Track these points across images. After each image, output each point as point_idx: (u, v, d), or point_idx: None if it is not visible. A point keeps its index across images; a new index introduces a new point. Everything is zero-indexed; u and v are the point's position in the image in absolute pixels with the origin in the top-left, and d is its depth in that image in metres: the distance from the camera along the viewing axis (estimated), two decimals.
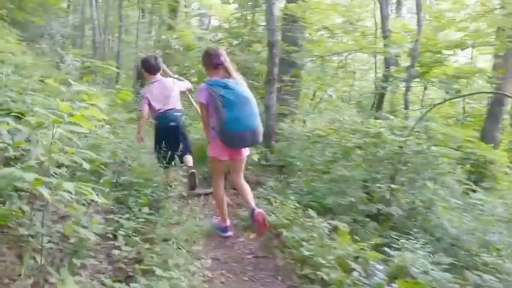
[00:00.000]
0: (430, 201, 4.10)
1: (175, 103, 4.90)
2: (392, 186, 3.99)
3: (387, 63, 11.43)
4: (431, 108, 4.91)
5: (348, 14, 9.59)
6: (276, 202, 3.76)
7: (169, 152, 4.42)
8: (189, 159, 4.97)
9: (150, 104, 4.80)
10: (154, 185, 4.09)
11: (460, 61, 11.03)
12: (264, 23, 13.69)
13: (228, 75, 3.55)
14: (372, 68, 13.18)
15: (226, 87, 3.41)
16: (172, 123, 4.78)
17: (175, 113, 4.83)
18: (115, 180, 4.09)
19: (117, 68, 8.39)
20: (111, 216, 3.40)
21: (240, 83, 3.54)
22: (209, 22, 17.90)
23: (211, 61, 3.59)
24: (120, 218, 3.32)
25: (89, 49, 20.17)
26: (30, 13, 12.01)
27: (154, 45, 15.10)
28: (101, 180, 3.91)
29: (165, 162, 4.44)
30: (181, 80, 5.32)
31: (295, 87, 7.67)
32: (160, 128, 4.85)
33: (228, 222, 3.90)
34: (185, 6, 20.10)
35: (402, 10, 16.93)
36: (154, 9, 16.47)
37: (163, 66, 5.14)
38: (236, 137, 3.48)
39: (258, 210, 3.51)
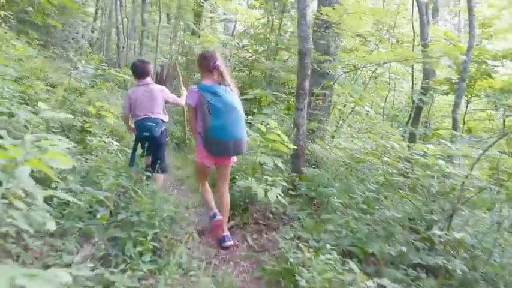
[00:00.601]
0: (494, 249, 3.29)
1: (156, 111, 4.46)
2: (456, 235, 3.17)
3: (426, 74, 10.55)
4: (503, 136, 4.05)
5: (385, 19, 8.78)
6: (308, 251, 3.00)
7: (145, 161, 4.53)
8: (159, 179, 4.44)
9: (130, 107, 4.50)
10: (162, 222, 3.39)
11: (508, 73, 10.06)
12: (291, 29, 13.02)
13: (222, 80, 3.54)
14: (405, 78, 12.31)
15: (215, 93, 3.40)
16: (146, 133, 4.42)
17: (151, 123, 4.40)
18: (112, 215, 3.41)
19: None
20: (103, 267, 2.72)
21: (229, 91, 3.51)
22: (234, 28, 17.27)
23: (207, 64, 3.58)
24: (113, 272, 2.63)
25: (115, 53, 19.95)
26: (52, 16, 11.60)
27: (177, 51, 14.54)
28: (97, 215, 3.25)
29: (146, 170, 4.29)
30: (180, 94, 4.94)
31: (326, 101, 6.89)
32: (136, 136, 4.59)
33: (215, 209, 3.84)
34: (210, 11, 19.59)
35: (438, 17, 15.98)
36: (179, 14, 15.96)
37: (176, 73, 4.67)
38: (219, 145, 3.47)
39: (228, 243, 3.66)
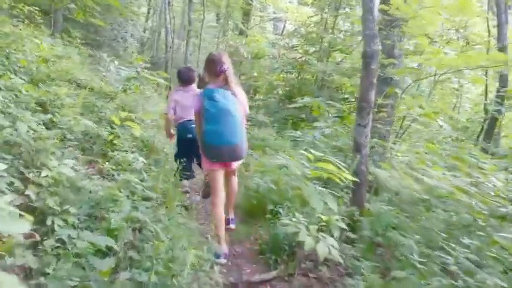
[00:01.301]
0: None
1: None
2: None
3: (502, 80, 9.21)
4: None
5: (458, 17, 7.61)
6: None
7: (186, 162, 4.63)
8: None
9: (175, 109, 4.77)
10: (181, 277, 2.58)
11: None
12: (346, 28, 11.99)
13: (226, 84, 3.48)
14: (474, 84, 10.96)
15: (211, 98, 3.40)
16: (189, 135, 4.67)
17: (193, 125, 4.27)
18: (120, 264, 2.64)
19: (166, 79, 7.08)
20: None
21: (229, 96, 3.44)
22: (284, 27, 16.38)
23: (214, 68, 3.51)
24: None
25: (164, 53, 19.73)
26: (97, 15, 11.22)
27: (223, 51, 13.86)
28: (99, 267, 2.48)
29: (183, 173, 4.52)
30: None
31: (390, 113, 5.86)
32: (178, 138, 4.91)
33: (224, 247, 3.48)
34: (259, 10, 18.80)
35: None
36: (227, 13, 15.30)
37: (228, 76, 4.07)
38: (214, 150, 3.49)
39: (232, 226, 3.94)
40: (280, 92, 10.92)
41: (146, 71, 6.55)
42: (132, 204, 3.32)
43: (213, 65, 3.52)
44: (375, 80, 3.99)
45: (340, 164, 3.35)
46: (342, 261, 3.01)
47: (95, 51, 10.67)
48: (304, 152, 3.47)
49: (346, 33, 11.32)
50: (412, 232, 3.25)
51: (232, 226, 3.94)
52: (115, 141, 4.57)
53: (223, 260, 3.38)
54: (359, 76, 9.93)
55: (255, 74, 11.64)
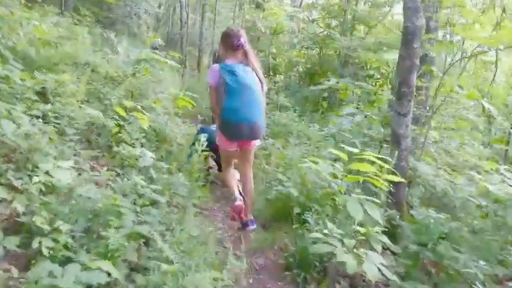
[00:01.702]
0: None
1: None
2: None
3: None
4: None
5: None
6: None
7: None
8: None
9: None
10: None
11: None
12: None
13: (246, 60, 3.41)
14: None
15: (232, 73, 3.30)
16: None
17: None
18: None
19: (180, 59, 6.55)
20: None
21: (250, 71, 3.37)
22: None
23: (231, 42, 3.41)
24: None
25: (179, 28, 19.19)
26: None
27: (240, 26, 13.22)
28: None
29: None
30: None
31: (426, 94, 5.26)
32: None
33: (237, 193, 3.66)
34: None
35: None
36: None
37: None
38: (232, 128, 3.38)
39: (252, 227, 3.57)
40: (301, 69, 10.27)
41: (158, 52, 6.05)
42: (138, 213, 2.88)
43: (230, 39, 3.41)
44: (417, 61, 3.40)
45: (382, 160, 2.80)
46: (397, 280, 2.51)
47: (105, 30, 10.19)
48: (334, 151, 2.91)
49: (371, 4, 10.52)
50: (469, 247, 2.72)
51: (252, 227, 3.61)
52: (121, 134, 4.11)
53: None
54: (385, 51, 9.24)
55: (274, 51, 10.98)
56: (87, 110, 4.35)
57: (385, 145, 4.06)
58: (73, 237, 2.50)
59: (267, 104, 6.87)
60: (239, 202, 3.55)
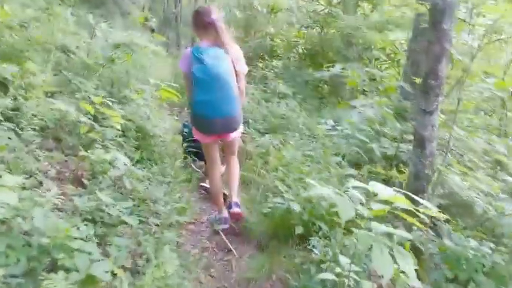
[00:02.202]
0: None
1: None
2: None
3: None
4: None
5: None
6: None
7: None
8: None
9: None
10: None
11: None
12: None
13: (217, 40, 3.06)
14: None
15: (200, 61, 2.96)
16: None
17: None
18: None
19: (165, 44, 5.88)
20: None
21: (220, 56, 3.01)
22: None
23: (201, 20, 3.12)
24: None
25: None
26: None
27: (235, 5, 12.44)
28: None
29: None
30: None
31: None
32: None
33: (225, 213, 3.41)
34: None
35: None
36: None
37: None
38: (204, 123, 3.17)
39: (236, 209, 3.28)
40: (300, 50, 9.55)
41: (139, 35, 5.37)
42: (98, 244, 2.30)
43: (199, 17, 3.15)
44: (448, 46, 2.76)
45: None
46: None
47: (92, 11, 9.41)
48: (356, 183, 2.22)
49: None
50: None
51: (236, 210, 3.31)
52: (91, 134, 3.49)
53: (225, 225, 3.36)
54: (390, 30, 8.52)
55: (272, 30, 10.23)
56: (55, 104, 3.72)
57: (402, 144, 3.44)
58: (7, 285, 1.92)
59: (265, 92, 6.22)
60: (224, 226, 3.36)
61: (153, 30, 14.72)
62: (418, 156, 2.81)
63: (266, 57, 9.14)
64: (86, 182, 3.09)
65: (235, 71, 3.14)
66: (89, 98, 4.28)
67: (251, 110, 5.12)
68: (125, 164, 3.26)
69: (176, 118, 5.18)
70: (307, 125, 4.78)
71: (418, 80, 3.11)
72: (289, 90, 5.79)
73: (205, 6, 3.31)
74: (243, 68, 3.28)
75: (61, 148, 3.89)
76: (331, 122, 3.56)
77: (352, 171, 2.96)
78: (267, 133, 4.81)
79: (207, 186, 4.19)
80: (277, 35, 10.27)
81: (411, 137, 3.40)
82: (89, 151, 3.31)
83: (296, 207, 2.73)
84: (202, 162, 4.44)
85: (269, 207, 2.92)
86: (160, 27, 22.88)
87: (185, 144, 4.28)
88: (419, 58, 5.11)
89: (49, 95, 4.27)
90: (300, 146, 4.08)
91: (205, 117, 3.10)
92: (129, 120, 4.15)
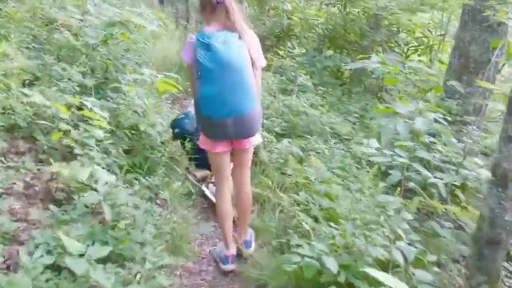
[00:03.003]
0: None
1: None
2: None
3: None
4: None
5: None
6: None
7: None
8: None
9: None
10: None
11: None
12: None
13: (228, 22, 2.44)
14: None
15: (207, 47, 2.35)
16: None
17: None
18: None
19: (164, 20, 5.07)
20: None
21: (234, 41, 2.39)
22: None
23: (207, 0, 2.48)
24: None
25: None
26: None
27: None
28: None
29: None
30: None
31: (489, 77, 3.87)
32: None
33: (233, 249, 2.81)
34: None
35: None
36: None
37: None
38: (214, 125, 2.50)
39: (248, 250, 2.83)
40: (320, 31, 8.66)
41: (139, 11, 4.59)
42: None
43: None
44: None
45: None
46: None
47: None
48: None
49: None
50: None
51: (250, 250, 2.84)
52: (68, 141, 2.76)
53: (231, 266, 2.77)
54: (424, 9, 7.63)
55: (289, 7, 9.34)
56: (30, 96, 3.01)
57: (462, 169, 2.67)
58: None
59: (282, 82, 5.40)
60: (231, 266, 2.76)
61: (162, 2, 13.74)
62: (497, 197, 2.07)
63: (282, 38, 8.29)
64: (53, 208, 2.39)
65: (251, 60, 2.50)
66: (74, 89, 3.57)
67: (266, 105, 4.35)
68: (106, 183, 2.56)
69: (179, 113, 4.44)
70: (333, 125, 4.03)
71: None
72: (309, 81, 4.98)
73: None
74: (261, 60, 2.65)
75: (35, 152, 3.20)
76: (374, 143, 2.79)
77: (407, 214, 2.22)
78: (284, 135, 4.06)
79: (210, 195, 3.53)
80: (294, 12, 9.37)
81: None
82: (62, 163, 2.61)
83: (332, 264, 2.00)
84: (204, 171, 3.77)
85: (291, 263, 2.18)
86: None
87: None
88: (469, 49, 4.33)
89: (25, 83, 3.56)
90: (328, 157, 3.35)
91: (213, 116, 2.47)
92: (117, 123, 3.43)
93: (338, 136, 4.15)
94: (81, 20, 4.43)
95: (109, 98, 3.88)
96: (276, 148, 3.51)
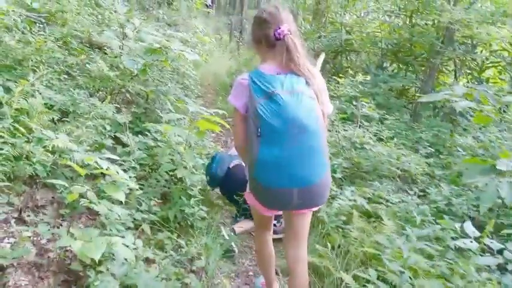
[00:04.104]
0: None
1: None
2: None
3: None
4: None
5: None
6: None
7: None
8: None
9: None
10: None
11: None
12: None
13: (292, 63, 1.91)
14: None
15: (270, 97, 1.83)
16: None
17: None
18: None
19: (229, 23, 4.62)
20: None
21: (302, 90, 1.86)
22: None
23: (265, 33, 1.97)
24: None
25: None
26: None
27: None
28: None
29: None
30: None
31: None
32: None
33: (273, 281, 2.47)
34: None
35: None
36: None
37: None
38: (272, 196, 1.94)
39: None
40: (384, 45, 7.89)
41: (175, 35, 4.16)
42: None
43: (262, 27, 1.98)
44: None
45: None
46: None
47: None
48: None
49: None
50: None
51: None
52: (86, 203, 2.30)
53: None
54: (506, 21, 6.68)
55: (348, 20, 8.66)
56: (53, 140, 2.62)
57: None
58: None
59: (343, 112, 4.72)
60: None
61: (209, 6, 13.36)
62: None
63: (341, 54, 7.64)
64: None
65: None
66: (104, 128, 3.16)
67: None
68: (125, 261, 2.06)
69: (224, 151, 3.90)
70: (403, 165, 3.34)
71: None
72: (374, 111, 4.26)
73: (272, 8, 2.01)
74: (328, 107, 2.08)
75: (56, 205, 2.79)
76: (473, 230, 2.08)
77: None
78: (344, 178, 3.42)
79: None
80: (353, 25, 8.69)
81: None
82: (78, 229, 2.15)
83: None
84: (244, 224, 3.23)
85: None
86: (224, 9, 21.78)
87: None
88: None
89: (54, 120, 3.19)
90: (402, 211, 2.68)
91: (275, 185, 1.91)
92: (152, 165, 2.96)
93: (410, 178, 3.45)
94: (120, 47, 4.07)
95: (147, 133, 3.47)
96: (338, 202, 2.86)
